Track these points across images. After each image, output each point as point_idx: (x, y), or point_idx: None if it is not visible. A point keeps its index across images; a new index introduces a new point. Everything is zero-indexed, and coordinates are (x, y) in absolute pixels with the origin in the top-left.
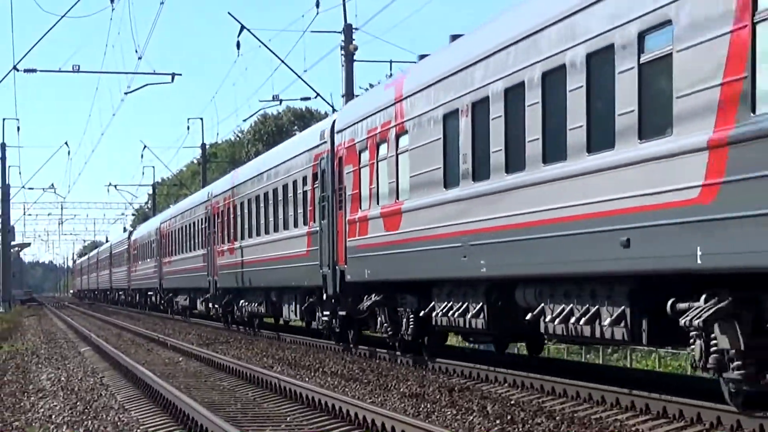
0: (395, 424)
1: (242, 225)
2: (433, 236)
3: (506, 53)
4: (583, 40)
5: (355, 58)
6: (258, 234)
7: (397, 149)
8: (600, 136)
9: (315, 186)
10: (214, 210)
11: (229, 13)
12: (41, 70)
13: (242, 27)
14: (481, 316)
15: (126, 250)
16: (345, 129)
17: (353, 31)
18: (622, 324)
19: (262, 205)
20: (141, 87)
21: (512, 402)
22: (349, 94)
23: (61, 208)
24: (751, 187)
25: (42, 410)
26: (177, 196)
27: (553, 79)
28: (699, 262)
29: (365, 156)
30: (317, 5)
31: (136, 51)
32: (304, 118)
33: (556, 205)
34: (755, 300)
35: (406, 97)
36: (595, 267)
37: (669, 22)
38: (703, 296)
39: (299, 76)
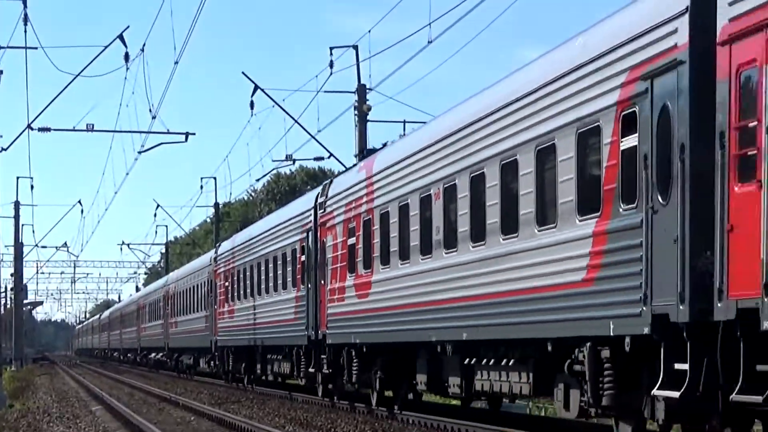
0: None
1: (240, 288)
2: (394, 307)
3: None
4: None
5: (368, 118)
6: (252, 296)
7: (364, 225)
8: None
9: (303, 255)
10: (215, 274)
11: (243, 73)
12: (55, 129)
13: (256, 87)
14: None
15: (134, 311)
16: (326, 203)
17: (367, 91)
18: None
19: (256, 270)
20: (155, 146)
21: None
22: (361, 154)
23: (74, 267)
24: None
25: None
26: (190, 256)
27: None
28: None
29: (340, 229)
30: (331, 65)
31: (150, 110)
32: (317, 178)
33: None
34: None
35: (375, 178)
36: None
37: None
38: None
39: (312, 136)
